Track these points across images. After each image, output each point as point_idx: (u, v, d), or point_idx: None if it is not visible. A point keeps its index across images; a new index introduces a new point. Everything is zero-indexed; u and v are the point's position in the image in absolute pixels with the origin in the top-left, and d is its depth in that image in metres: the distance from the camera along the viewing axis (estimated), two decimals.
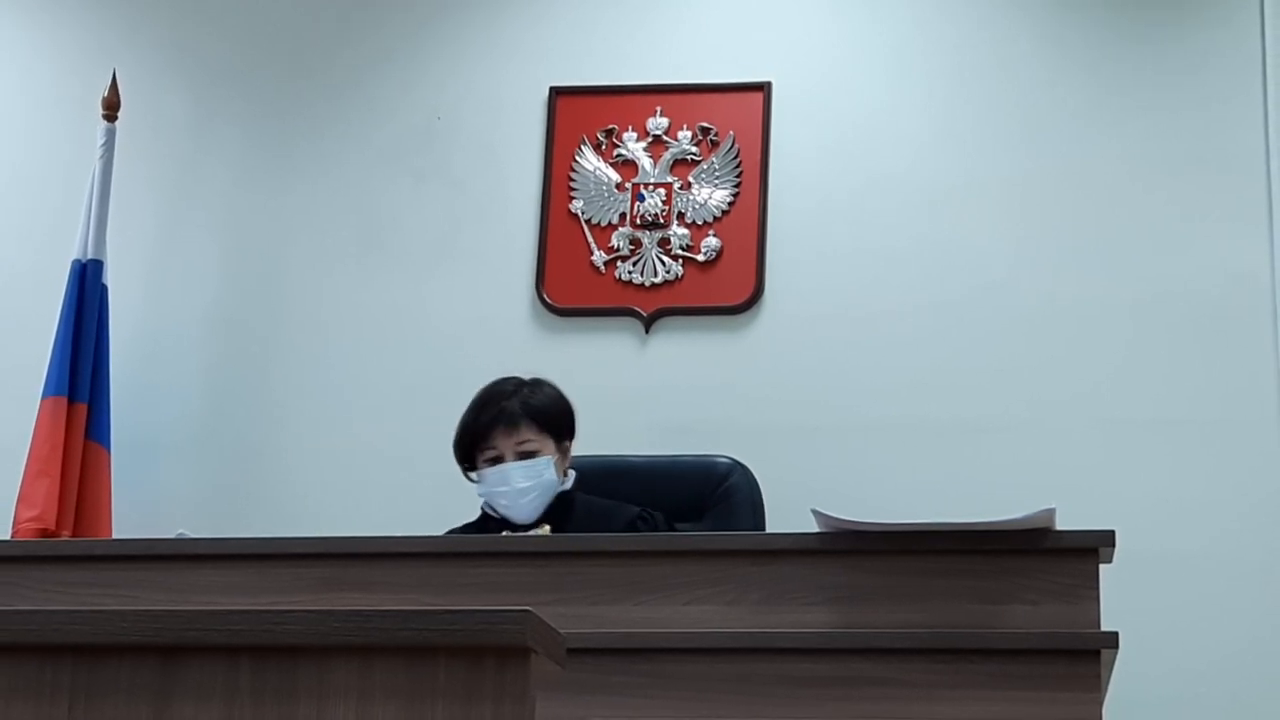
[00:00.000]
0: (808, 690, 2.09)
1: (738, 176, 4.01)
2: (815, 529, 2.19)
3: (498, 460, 2.86)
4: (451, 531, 2.96)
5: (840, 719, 2.07)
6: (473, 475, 2.93)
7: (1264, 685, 3.50)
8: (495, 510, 2.89)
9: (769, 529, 3.07)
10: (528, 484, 2.83)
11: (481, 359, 3.94)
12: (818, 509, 2.17)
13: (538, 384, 2.98)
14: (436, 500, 3.11)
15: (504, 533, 2.85)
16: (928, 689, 2.07)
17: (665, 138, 4.08)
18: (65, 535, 3.74)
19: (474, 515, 2.98)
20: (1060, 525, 2.13)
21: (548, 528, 2.83)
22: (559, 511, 2.86)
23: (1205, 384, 3.66)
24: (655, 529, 2.84)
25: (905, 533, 2.16)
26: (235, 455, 4.06)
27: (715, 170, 4.03)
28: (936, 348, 3.79)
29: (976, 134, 3.96)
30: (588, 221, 4.05)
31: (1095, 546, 2.11)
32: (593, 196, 4.07)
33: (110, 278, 4.01)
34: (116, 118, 4.06)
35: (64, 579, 2.33)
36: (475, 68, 4.22)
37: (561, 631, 1.42)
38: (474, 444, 2.90)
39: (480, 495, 2.91)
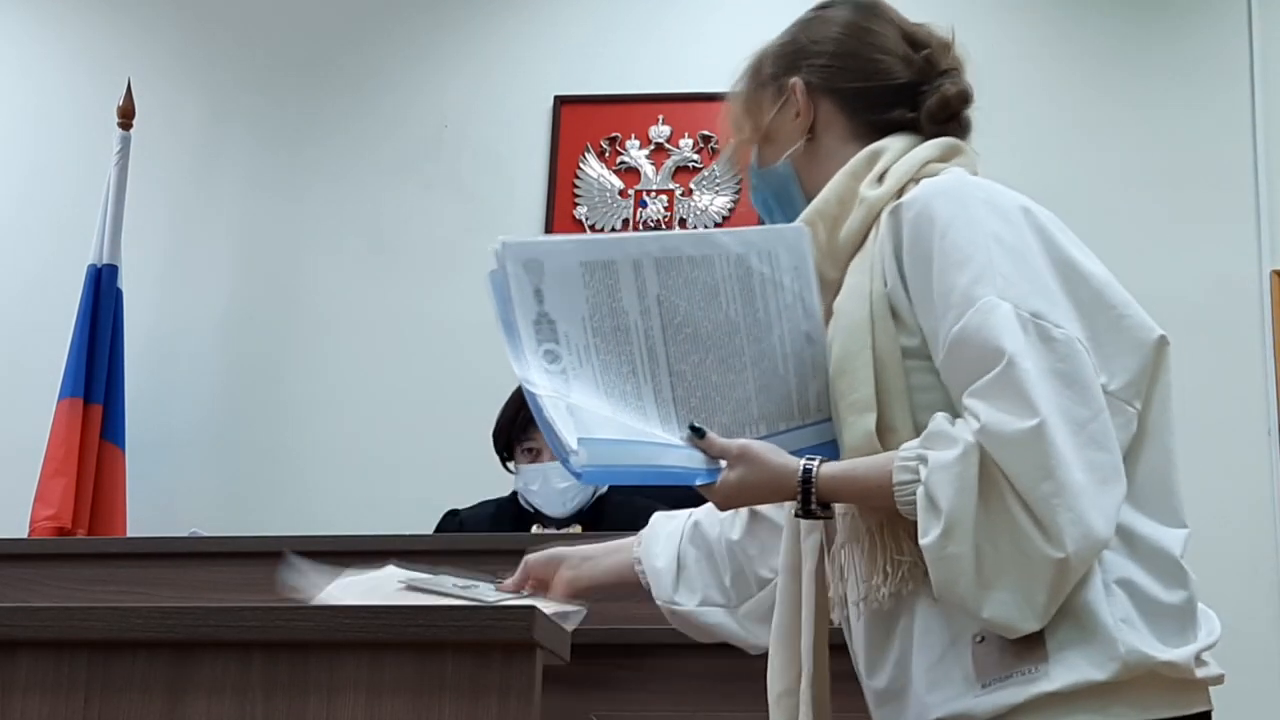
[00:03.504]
0: None
1: (738, 183, 4.04)
2: None
3: (536, 454, 2.88)
4: (484, 503, 2.98)
5: (839, 712, 2.09)
6: (511, 466, 2.94)
7: (1253, 681, 3.52)
8: (530, 504, 2.91)
9: None
10: (565, 484, 2.85)
11: (488, 362, 3.97)
12: None
13: None
14: (445, 499, 3.15)
15: (534, 528, 2.87)
16: None
17: (667, 146, 4.11)
18: (81, 534, 3.77)
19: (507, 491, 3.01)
20: None
21: (579, 528, 2.84)
22: (595, 512, 2.88)
23: (1195, 386, 3.65)
24: None
25: None
26: (247, 455, 4.09)
27: (716, 177, 4.06)
28: None
29: (973, 140, 3.98)
30: (591, 227, 4.08)
31: None
32: (596, 203, 4.10)
33: (125, 282, 4.05)
34: (131, 125, 4.09)
35: (80, 576, 2.34)
36: (482, 78, 4.25)
37: (566, 628, 1.46)
38: (513, 437, 2.91)
39: (516, 488, 2.93)
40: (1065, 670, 1.38)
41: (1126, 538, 1.44)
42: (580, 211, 4.09)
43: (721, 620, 1.80)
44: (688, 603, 1.80)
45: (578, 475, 1.51)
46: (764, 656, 1.72)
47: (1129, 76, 4.00)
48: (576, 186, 4.12)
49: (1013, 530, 1.37)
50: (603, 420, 1.54)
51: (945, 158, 1.65)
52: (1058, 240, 1.51)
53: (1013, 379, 1.38)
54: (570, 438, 1.50)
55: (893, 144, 1.64)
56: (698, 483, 1.57)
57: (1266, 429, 3.70)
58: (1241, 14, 3.98)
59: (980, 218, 1.49)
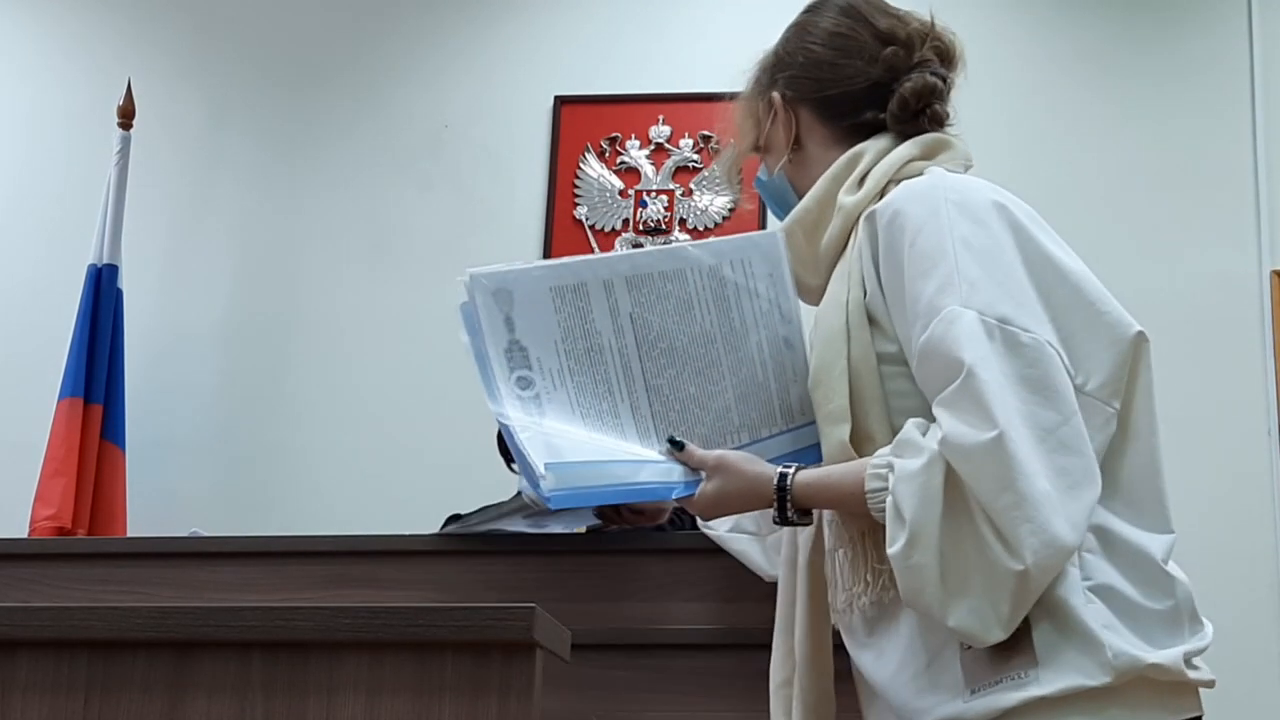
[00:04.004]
0: None
1: (737, 184, 4.05)
2: None
3: None
4: (486, 508, 3.00)
5: (840, 712, 2.09)
6: (514, 468, 2.96)
7: (1253, 681, 3.52)
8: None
9: None
10: None
11: None
12: None
13: None
14: (445, 499, 3.14)
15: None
16: None
17: (667, 145, 4.11)
18: (81, 534, 3.77)
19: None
20: None
21: (583, 528, 2.85)
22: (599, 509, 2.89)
23: (1195, 386, 3.68)
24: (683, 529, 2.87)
25: None
26: (247, 455, 4.09)
27: (716, 177, 4.06)
28: None
29: (970, 142, 3.98)
30: (592, 227, 4.08)
31: None
32: (596, 203, 4.10)
33: (125, 282, 4.05)
34: (131, 125, 4.09)
35: (80, 576, 2.33)
36: (482, 78, 4.25)
37: (566, 627, 1.44)
38: None
39: (520, 490, 2.95)
40: (1055, 674, 1.39)
41: (1107, 542, 1.44)
42: (580, 212, 4.10)
43: (747, 548, 1.90)
44: (719, 527, 1.91)
45: (547, 500, 1.52)
46: (759, 656, 1.74)
47: (1129, 77, 4.00)
48: (576, 187, 4.12)
49: (976, 540, 1.37)
50: (576, 443, 1.55)
51: (929, 154, 1.64)
52: (1034, 237, 1.50)
53: (972, 390, 1.38)
54: (539, 463, 1.52)
55: (872, 146, 1.64)
56: (674, 496, 1.59)
57: (1266, 429, 3.70)
58: (1242, 15, 3.98)
59: (949, 222, 1.48)
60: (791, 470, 1.53)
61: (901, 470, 1.41)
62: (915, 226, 1.49)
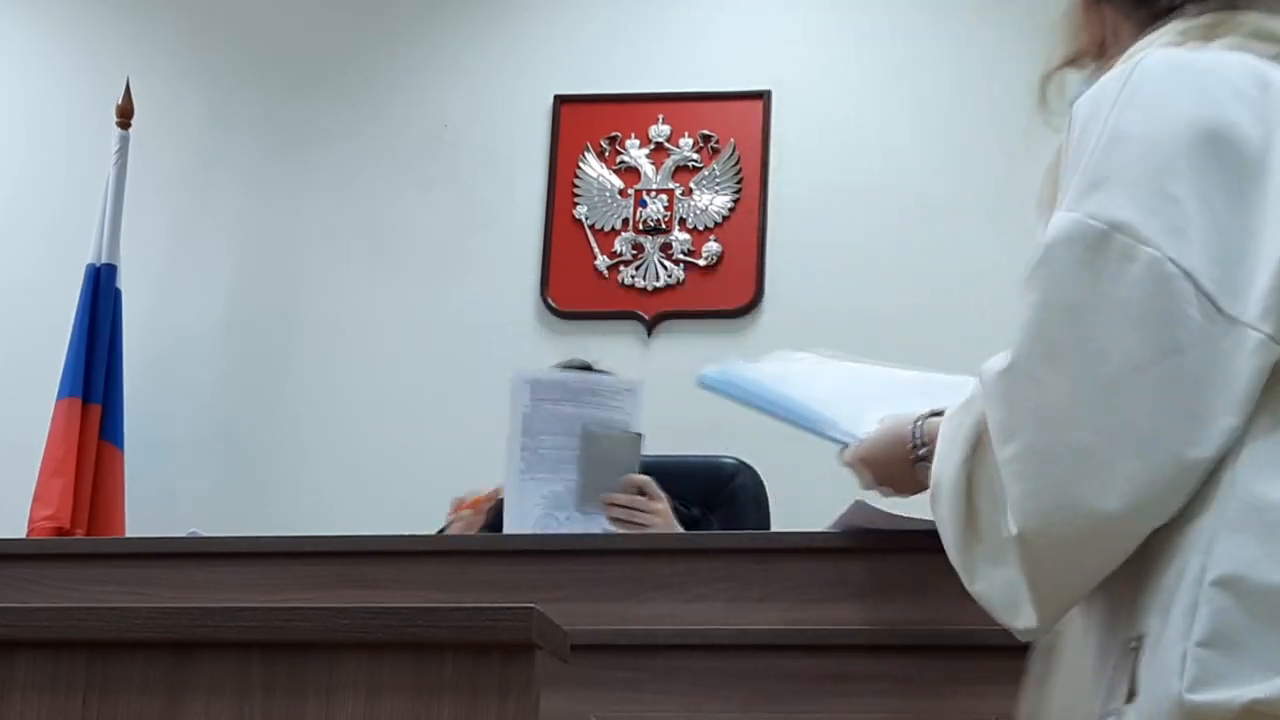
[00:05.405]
0: (807, 685, 2.09)
1: (738, 183, 4.04)
2: (814, 528, 2.21)
3: None
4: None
5: (840, 713, 2.08)
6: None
7: None
8: None
9: (773, 528, 3.10)
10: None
11: (487, 361, 3.98)
12: (864, 500, 1.92)
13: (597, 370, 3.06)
14: (445, 499, 3.14)
15: None
16: (931, 685, 2.07)
17: (667, 145, 4.11)
18: (79, 534, 3.78)
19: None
20: None
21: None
22: None
23: None
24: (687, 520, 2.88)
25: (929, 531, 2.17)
26: (246, 455, 4.09)
27: (716, 177, 4.06)
28: (934, 350, 3.77)
29: (973, 142, 3.98)
30: (591, 227, 4.08)
31: None
32: (596, 202, 4.10)
33: (123, 281, 4.05)
34: (130, 125, 4.09)
35: (78, 576, 2.33)
36: (482, 77, 4.25)
37: (565, 628, 1.43)
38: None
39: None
40: (1139, 714, 1.09)
41: (1253, 511, 1.09)
42: (580, 211, 4.10)
43: None
44: None
45: (701, 379, 1.73)
46: (758, 657, 1.72)
47: None
48: (576, 186, 4.12)
49: (995, 496, 1.17)
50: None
51: (1200, 36, 1.30)
52: (1239, 132, 1.17)
53: (1024, 309, 1.15)
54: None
55: (1144, 40, 1.34)
56: (827, 433, 1.70)
57: None
58: None
59: (1110, 109, 1.21)
60: (929, 408, 1.48)
61: (950, 409, 1.26)
62: (1085, 119, 1.23)
